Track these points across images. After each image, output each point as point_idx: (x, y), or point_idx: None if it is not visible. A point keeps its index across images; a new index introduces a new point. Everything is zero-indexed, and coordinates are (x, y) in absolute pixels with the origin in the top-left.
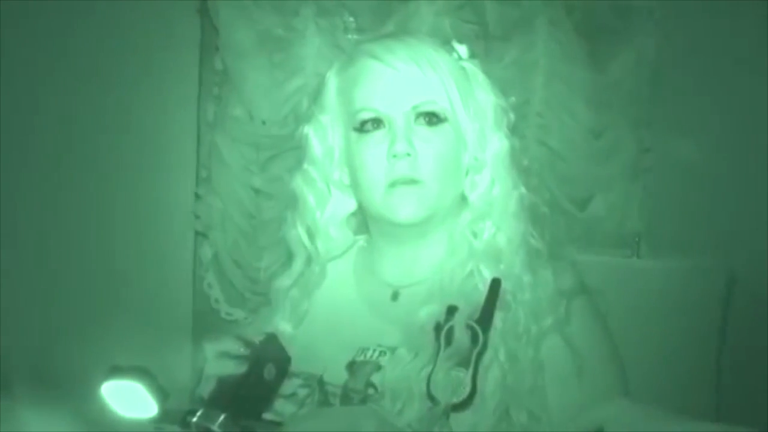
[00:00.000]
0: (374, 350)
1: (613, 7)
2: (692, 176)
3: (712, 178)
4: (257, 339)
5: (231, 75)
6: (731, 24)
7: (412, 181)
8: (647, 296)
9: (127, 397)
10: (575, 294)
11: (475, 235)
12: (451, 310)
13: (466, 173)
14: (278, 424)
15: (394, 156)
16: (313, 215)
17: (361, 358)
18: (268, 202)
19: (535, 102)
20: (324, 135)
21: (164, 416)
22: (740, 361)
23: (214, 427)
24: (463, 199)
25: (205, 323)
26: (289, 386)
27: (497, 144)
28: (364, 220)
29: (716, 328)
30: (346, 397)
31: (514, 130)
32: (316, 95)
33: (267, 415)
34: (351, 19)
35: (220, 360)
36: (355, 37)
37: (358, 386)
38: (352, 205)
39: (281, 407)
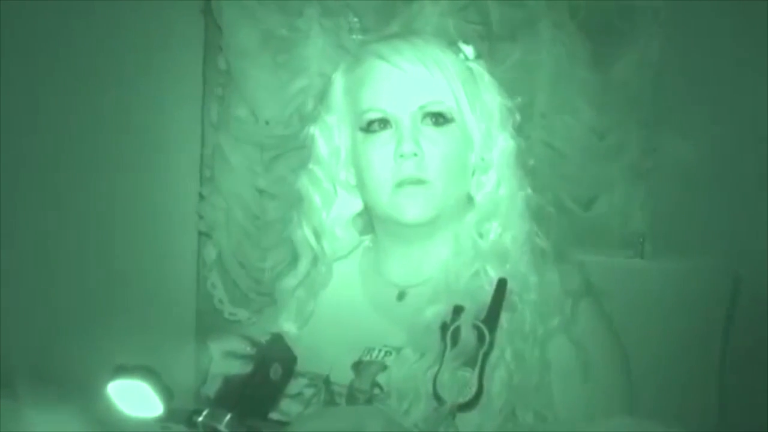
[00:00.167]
0: (380, 350)
1: (617, 8)
2: (696, 177)
3: (715, 179)
4: (263, 339)
5: (235, 75)
6: (736, 25)
7: (419, 181)
8: (651, 297)
9: (133, 396)
10: (582, 295)
11: (481, 235)
12: (458, 310)
13: (473, 173)
14: (284, 423)
15: (401, 156)
16: (320, 215)
17: (367, 358)
18: (272, 202)
19: (539, 103)
20: (330, 135)
21: (170, 415)
22: (744, 362)
23: (221, 427)
24: (470, 199)
25: (209, 323)
26: (295, 386)
27: (503, 144)
28: (369, 221)
29: (720, 328)
30: (352, 397)
31: (518, 131)
32: (323, 95)
33: (273, 415)
34: (355, 19)
35: (226, 359)
36: (359, 37)
37: (364, 386)
38: (358, 206)
39: (287, 407)
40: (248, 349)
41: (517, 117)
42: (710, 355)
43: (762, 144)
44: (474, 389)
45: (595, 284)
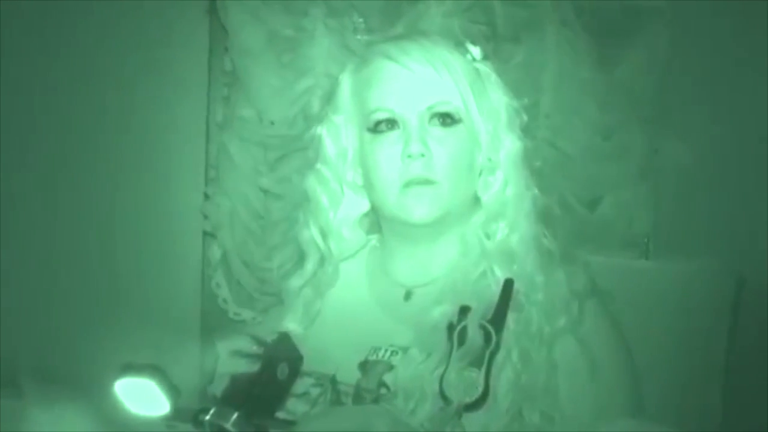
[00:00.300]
0: (386, 350)
1: (622, 8)
2: (700, 178)
3: (720, 180)
4: (270, 338)
5: (240, 75)
6: (740, 26)
7: (427, 182)
8: (655, 297)
9: (139, 394)
10: (588, 295)
11: (488, 235)
12: (464, 310)
13: (480, 174)
14: (291, 422)
15: (409, 156)
16: (327, 216)
17: (374, 357)
18: (276, 202)
19: (543, 103)
20: (338, 135)
21: (176, 414)
22: (747, 362)
23: (228, 426)
24: (476, 199)
25: (213, 323)
26: (301, 385)
27: (510, 145)
28: (376, 221)
29: (723, 328)
30: (358, 397)
31: (524, 132)
32: (330, 96)
33: (279, 414)
34: (360, 19)
35: (233, 358)
36: (364, 37)
37: (371, 386)
38: (365, 206)
39: (293, 406)
40: (255, 349)
41: (524, 118)
42: (714, 356)
43: (766, 145)
44: (480, 389)
45: (599, 285)
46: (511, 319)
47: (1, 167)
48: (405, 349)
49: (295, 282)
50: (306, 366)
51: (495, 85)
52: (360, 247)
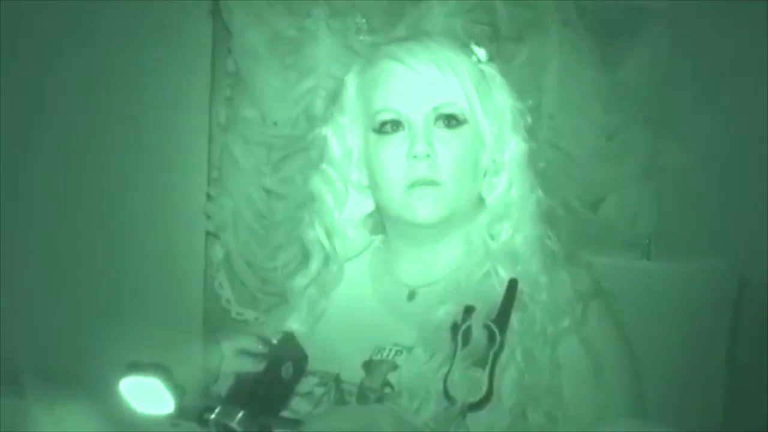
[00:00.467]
0: (390, 349)
1: (625, 8)
2: (704, 178)
3: (723, 180)
4: (275, 338)
5: (243, 76)
6: (743, 26)
7: (432, 182)
8: (657, 298)
9: (144, 393)
10: (591, 295)
11: (492, 236)
12: (469, 310)
13: (484, 175)
14: (295, 421)
15: (414, 157)
16: (332, 216)
17: (378, 357)
18: (279, 202)
19: (546, 103)
20: (343, 136)
21: (181, 413)
22: (749, 363)
23: (233, 425)
24: (481, 200)
25: (216, 323)
26: (305, 384)
27: (515, 147)
28: (379, 221)
29: (725, 329)
30: (362, 396)
31: (528, 133)
32: (335, 97)
33: (284, 413)
34: (363, 20)
35: (238, 358)
36: (367, 38)
37: (375, 385)
38: (369, 206)
39: (297, 405)
40: (260, 348)
41: (529, 119)
42: (716, 356)
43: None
44: (484, 389)
45: (602, 285)
46: (515, 319)
47: (6, 167)
48: (409, 349)
49: (300, 282)
50: (310, 365)
51: (500, 87)
52: (364, 248)
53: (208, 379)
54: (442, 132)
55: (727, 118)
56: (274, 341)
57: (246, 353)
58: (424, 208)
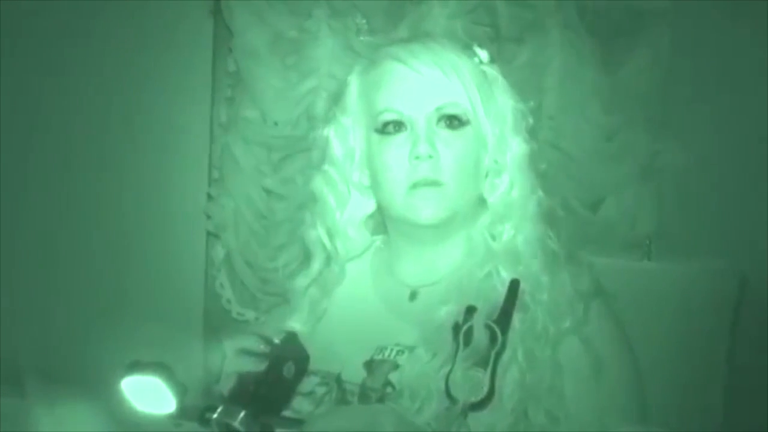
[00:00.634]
0: (392, 349)
1: (626, 9)
2: (704, 178)
3: (723, 181)
4: (277, 337)
5: (244, 76)
6: (743, 26)
7: (434, 183)
8: (657, 298)
9: (146, 392)
10: (592, 296)
11: (493, 237)
12: (470, 310)
13: (486, 176)
14: (298, 421)
15: (417, 158)
16: (333, 216)
17: (379, 356)
18: (280, 202)
19: (547, 104)
20: (345, 136)
21: (182, 412)
22: (749, 363)
23: (235, 424)
24: (482, 201)
25: (217, 323)
26: (306, 384)
27: (516, 148)
28: (380, 222)
29: (726, 329)
30: (364, 396)
31: (530, 134)
32: (337, 97)
33: (286, 413)
34: (364, 20)
35: (239, 357)
36: (368, 39)
37: (376, 385)
38: (371, 207)
39: (299, 405)
40: (262, 348)
41: (530, 120)
42: (716, 357)
43: None
44: (486, 389)
45: (603, 285)
46: (516, 319)
47: (6, 167)
48: (411, 349)
49: (301, 282)
50: (311, 365)
51: (502, 88)
52: (365, 248)
53: (209, 379)
54: (444, 133)
55: (727, 119)
56: (276, 341)
57: (248, 353)
58: (426, 209)
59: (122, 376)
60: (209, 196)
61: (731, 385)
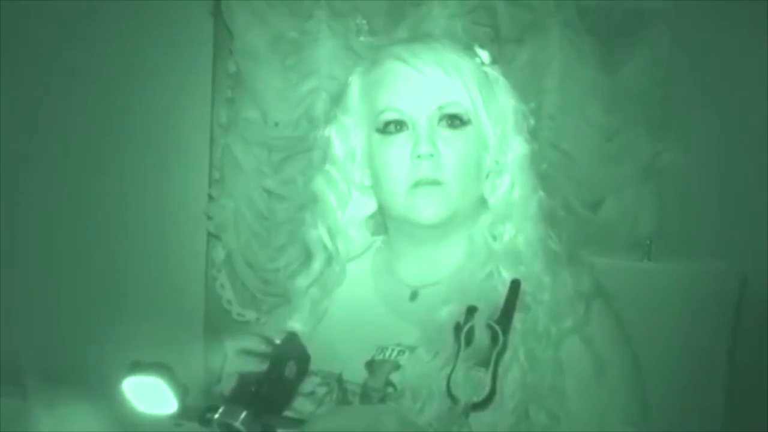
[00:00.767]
0: (393, 349)
1: (626, 10)
2: (704, 178)
3: (723, 181)
4: (278, 337)
5: (244, 77)
6: (744, 26)
7: (435, 182)
8: (658, 298)
9: (147, 393)
10: (593, 296)
11: (494, 237)
12: (471, 311)
13: (487, 176)
14: (299, 420)
15: (418, 156)
16: (335, 215)
17: (380, 356)
18: (280, 203)
19: (547, 104)
20: (346, 136)
21: (183, 413)
22: (750, 362)
23: (237, 424)
24: (483, 201)
25: (217, 324)
26: (308, 384)
27: (518, 148)
28: (381, 222)
29: (727, 329)
30: (365, 396)
31: (530, 134)
32: (339, 97)
33: (287, 413)
34: (364, 21)
35: (241, 357)
36: (368, 39)
37: (378, 385)
38: (371, 207)
39: (300, 405)
40: (263, 348)
41: (532, 121)
42: (716, 356)
43: None
44: (487, 389)
45: (603, 286)
46: (517, 319)
47: (7, 168)
48: (412, 349)
49: (302, 282)
50: (312, 365)
51: (503, 89)
52: (366, 248)
53: (209, 380)
54: (445, 132)
55: (727, 119)
56: (277, 341)
57: (249, 353)
58: (427, 209)
59: (124, 377)
60: (210, 197)
61: (732, 385)
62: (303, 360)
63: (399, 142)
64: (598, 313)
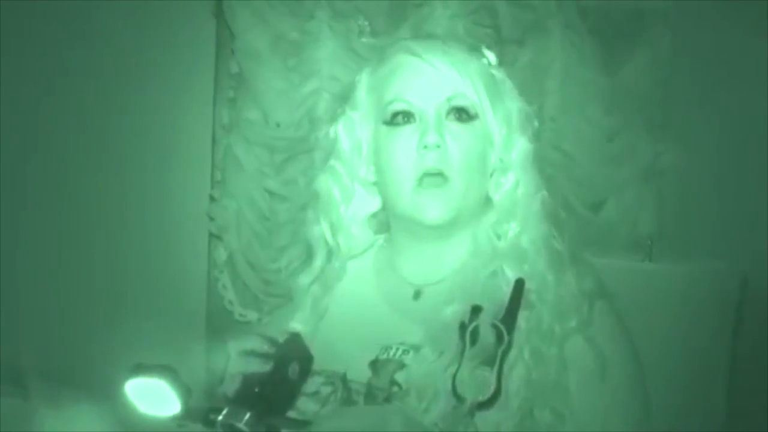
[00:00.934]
0: (397, 348)
1: (627, 10)
2: (705, 179)
3: (724, 181)
4: (281, 338)
5: (246, 78)
6: (744, 26)
7: (440, 174)
8: (659, 299)
9: (150, 394)
10: (597, 296)
11: (498, 236)
12: (476, 310)
13: (491, 174)
14: (302, 422)
15: (425, 147)
16: (337, 211)
17: (385, 356)
18: (282, 204)
19: (548, 105)
20: (353, 130)
21: (186, 414)
22: (752, 363)
23: (241, 425)
24: (487, 200)
25: (219, 325)
26: (311, 384)
27: (522, 147)
28: (383, 221)
29: (728, 330)
30: (370, 395)
31: (536, 136)
32: (347, 95)
33: (291, 413)
34: (365, 22)
35: (244, 358)
36: (370, 40)
37: (383, 384)
38: (375, 205)
39: (305, 405)
40: (266, 348)
41: (536, 123)
42: (717, 357)
43: None
44: (493, 387)
45: (606, 286)
46: (521, 317)
47: (8, 168)
48: (416, 348)
49: (304, 279)
50: (316, 365)
51: (509, 90)
52: (367, 246)
53: (212, 381)
54: (453, 125)
55: (727, 119)
56: (280, 341)
57: (252, 354)
58: (432, 209)
59: (126, 379)
60: (212, 198)
61: (733, 385)
62: (306, 360)
63: (406, 133)
64: (601, 313)
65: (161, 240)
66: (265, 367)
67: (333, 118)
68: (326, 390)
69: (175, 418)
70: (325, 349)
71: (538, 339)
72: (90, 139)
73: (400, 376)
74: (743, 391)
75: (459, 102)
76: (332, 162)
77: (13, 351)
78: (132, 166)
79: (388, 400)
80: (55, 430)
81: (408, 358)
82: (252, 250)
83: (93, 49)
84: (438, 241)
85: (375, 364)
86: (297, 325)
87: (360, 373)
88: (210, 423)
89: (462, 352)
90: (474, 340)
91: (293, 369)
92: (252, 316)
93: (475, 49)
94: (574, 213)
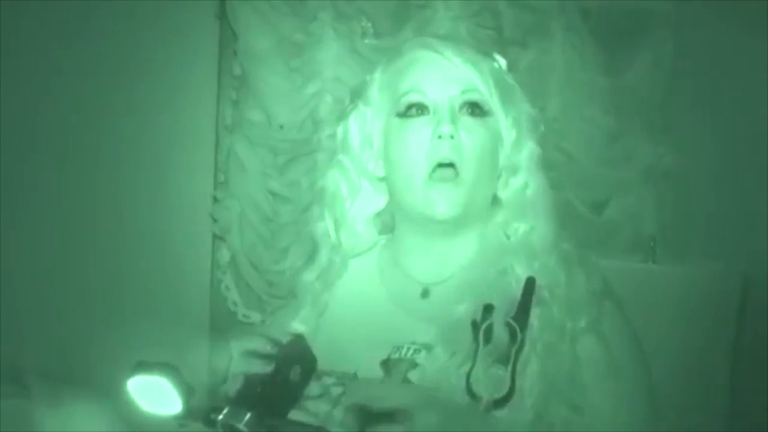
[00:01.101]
0: (408, 347)
1: (628, 12)
2: (707, 181)
3: (726, 183)
4: (284, 339)
5: (249, 79)
6: (746, 28)
7: (452, 166)
8: (662, 300)
9: (152, 393)
10: (605, 295)
11: (507, 234)
12: (489, 308)
13: (500, 174)
14: (303, 424)
15: (439, 137)
16: (343, 206)
17: (396, 355)
18: (285, 205)
19: (550, 107)
20: (364, 124)
21: (188, 413)
22: (754, 363)
23: (241, 426)
24: (496, 200)
25: (222, 325)
26: (318, 386)
27: (531, 150)
28: (388, 221)
29: (730, 330)
30: None
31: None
32: (359, 91)
33: (292, 415)
34: (368, 23)
35: (246, 359)
36: (372, 41)
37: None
38: (381, 203)
39: (315, 406)
40: (269, 349)
41: (542, 128)
42: (720, 357)
43: None
44: (507, 386)
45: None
46: (534, 314)
47: (9, 168)
48: (427, 347)
49: (308, 276)
50: (326, 366)
51: (518, 95)
52: (371, 245)
53: (214, 381)
54: (466, 119)
55: (729, 122)
56: (284, 342)
57: (255, 354)
58: (442, 204)
59: (128, 377)
60: (215, 199)
61: (734, 385)
62: (309, 362)
63: (419, 125)
64: (610, 313)
65: (164, 241)
66: (268, 368)
67: (339, 118)
68: (337, 390)
69: (176, 417)
70: (331, 349)
71: (551, 334)
72: (92, 140)
73: (413, 375)
74: (744, 392)
75: (473, 96)
76: (340, 157)
77: (13, 351)
78: (135, 167)
79: None
80: (55, 429)
81: (420, 357)
82: (255, 251)
83: (95, 50)
84: (445, 238)
85: (387, 364)
86: (299, 326)
87: (371, 373)
88: (211, 423)
89: (476, 351)
90: (488, 338)
91: (295, 371)
92: (255, 317)
93: (486, 54)
94: (576, 214)
